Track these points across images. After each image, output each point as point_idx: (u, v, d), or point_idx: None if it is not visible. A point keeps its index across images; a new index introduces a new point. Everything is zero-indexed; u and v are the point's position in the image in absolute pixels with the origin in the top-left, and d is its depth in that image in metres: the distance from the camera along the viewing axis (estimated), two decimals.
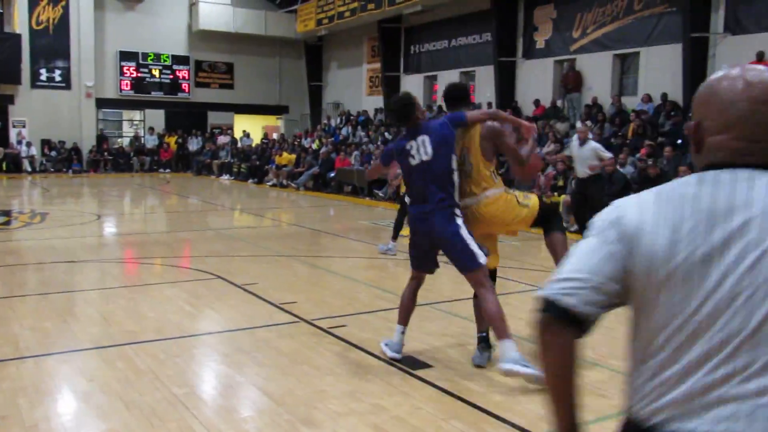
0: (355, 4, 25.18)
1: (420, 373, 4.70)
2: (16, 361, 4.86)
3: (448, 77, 24.20)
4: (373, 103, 27.36)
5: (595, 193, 10.50)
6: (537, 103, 20.03)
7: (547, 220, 4.91)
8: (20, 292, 6.92)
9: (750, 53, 15.00)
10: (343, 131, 25.46)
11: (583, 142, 10.81)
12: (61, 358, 4.95)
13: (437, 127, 4.55)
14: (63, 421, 3.91)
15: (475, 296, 4.82)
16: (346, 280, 7.89)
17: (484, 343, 4.96)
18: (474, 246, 4.48)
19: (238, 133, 28.77)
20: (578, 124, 17.13)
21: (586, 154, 10.67)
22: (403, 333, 4.93)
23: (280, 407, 4.09)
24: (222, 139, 27.59)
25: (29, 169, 24.69)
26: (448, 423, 3.90)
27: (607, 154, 10.84)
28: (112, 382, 4.42)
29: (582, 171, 10.77)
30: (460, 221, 4.50)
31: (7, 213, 14.32)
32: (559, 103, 19.65)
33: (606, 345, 5.47)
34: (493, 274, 4.92)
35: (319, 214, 15.37)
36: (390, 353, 4.93)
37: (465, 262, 4.51)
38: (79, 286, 7.10)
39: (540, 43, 20.83)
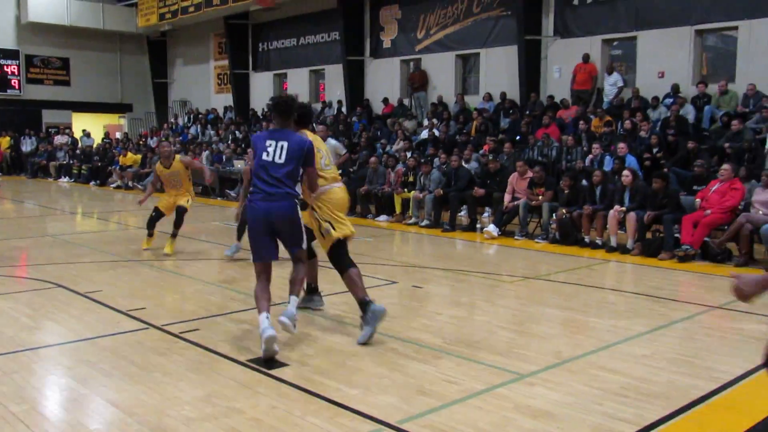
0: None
1: (275, 372, 4.71)
2: None
3: (298, 75, 24.21)
4: (222, 100, 26.77)
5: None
6: (386, 101, 20.49)
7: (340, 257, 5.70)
8: None
9: (577, 55, 16.22)
10: (192, 130, 24.73)
11: (324, 139, 11.26)
12: None
13: (297, 141, 5.25)
14: None
15: (344, 277, 5.63)
16: (197, 283, 7.70)
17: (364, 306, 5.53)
18: (304, 232, 5.40)
19: (77, 133, 27.09)
20: (425, 122, 17.76)
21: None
22: (267, 318, 4.97)
23: (129, 417, 3.95)
24: (59, 139, 25.86)
25: None
26: (305, 420, 3.94)
27: (344, 150, 11.42)
28: None
29: None
30: (298, 210, 5.30)
31: None
32: (406, 101, 20.22)
33: (454, 334, 5.76)
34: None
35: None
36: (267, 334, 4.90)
37: (297, 240, 5.35)
38: None
39: (386, 43, 21.33)
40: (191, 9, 25.09)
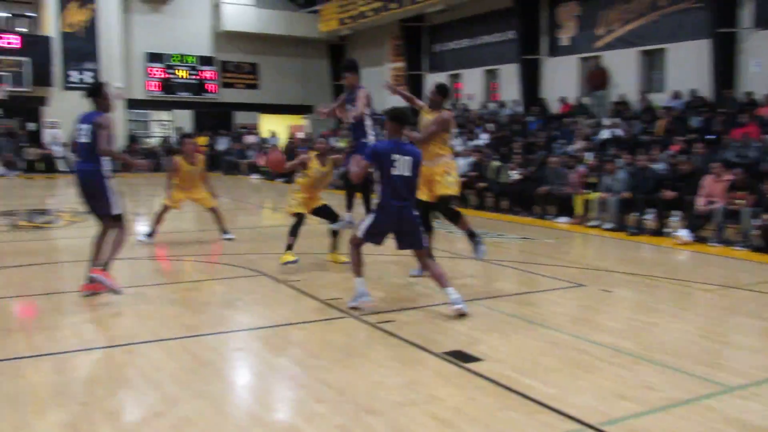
0: (377, 4, 25.31)
1: (471, 366, 4.82)
2: (83, 352, 5.10)
3: (472, 75, 24.31)
4: (398, 102, 27.35)
5: None
6: (563, 100, 20.05)
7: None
8: (76, 288, 7.07)
9: None
10: None
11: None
12: (125, 349, 5.16)
13: (417, 154, 6.19)
14: (141, 409, 4.10)
15: (462, 217, 7.37)
16: (388, 277, 8.01)
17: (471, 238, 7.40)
18: (423, 234, 6.37)
19: (264, 133, 29.03)
20: (605, 121, 17.18)
21: None
22: (365, 284, 6.33)
23: (341, 396, 4.24)
24: (249, 139, 27.85)
25: (65, 170, 24.78)
26: (503, 413, 4.02)
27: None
28: (179, 373, 4.61)
29: None
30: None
31: (48, 212, 14.66)
32: (585, 100, 19.66)
33: (650, 340, 5.59)
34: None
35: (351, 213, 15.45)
36: (363, 300, 6.23)
37: (418, 241, 6.27)
38: (131, 282, 7.28)
39: (564, 41, 20.87)
40: (369, 14, 26.01)
